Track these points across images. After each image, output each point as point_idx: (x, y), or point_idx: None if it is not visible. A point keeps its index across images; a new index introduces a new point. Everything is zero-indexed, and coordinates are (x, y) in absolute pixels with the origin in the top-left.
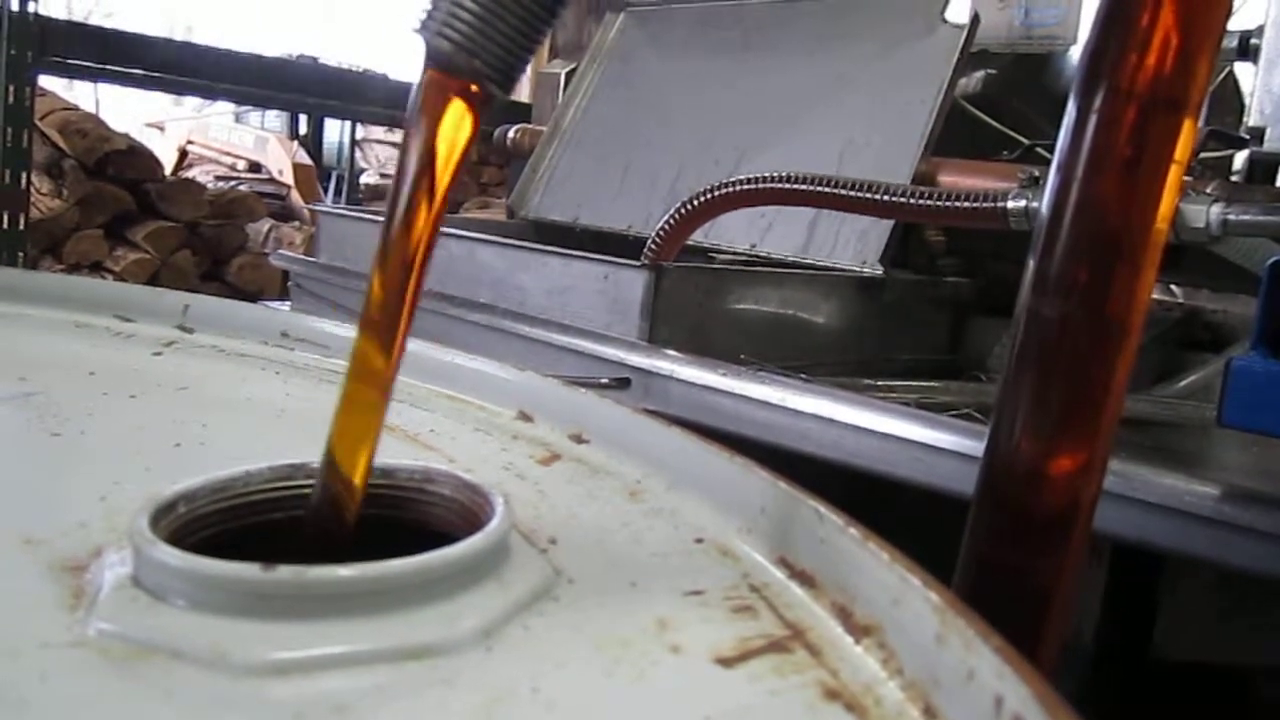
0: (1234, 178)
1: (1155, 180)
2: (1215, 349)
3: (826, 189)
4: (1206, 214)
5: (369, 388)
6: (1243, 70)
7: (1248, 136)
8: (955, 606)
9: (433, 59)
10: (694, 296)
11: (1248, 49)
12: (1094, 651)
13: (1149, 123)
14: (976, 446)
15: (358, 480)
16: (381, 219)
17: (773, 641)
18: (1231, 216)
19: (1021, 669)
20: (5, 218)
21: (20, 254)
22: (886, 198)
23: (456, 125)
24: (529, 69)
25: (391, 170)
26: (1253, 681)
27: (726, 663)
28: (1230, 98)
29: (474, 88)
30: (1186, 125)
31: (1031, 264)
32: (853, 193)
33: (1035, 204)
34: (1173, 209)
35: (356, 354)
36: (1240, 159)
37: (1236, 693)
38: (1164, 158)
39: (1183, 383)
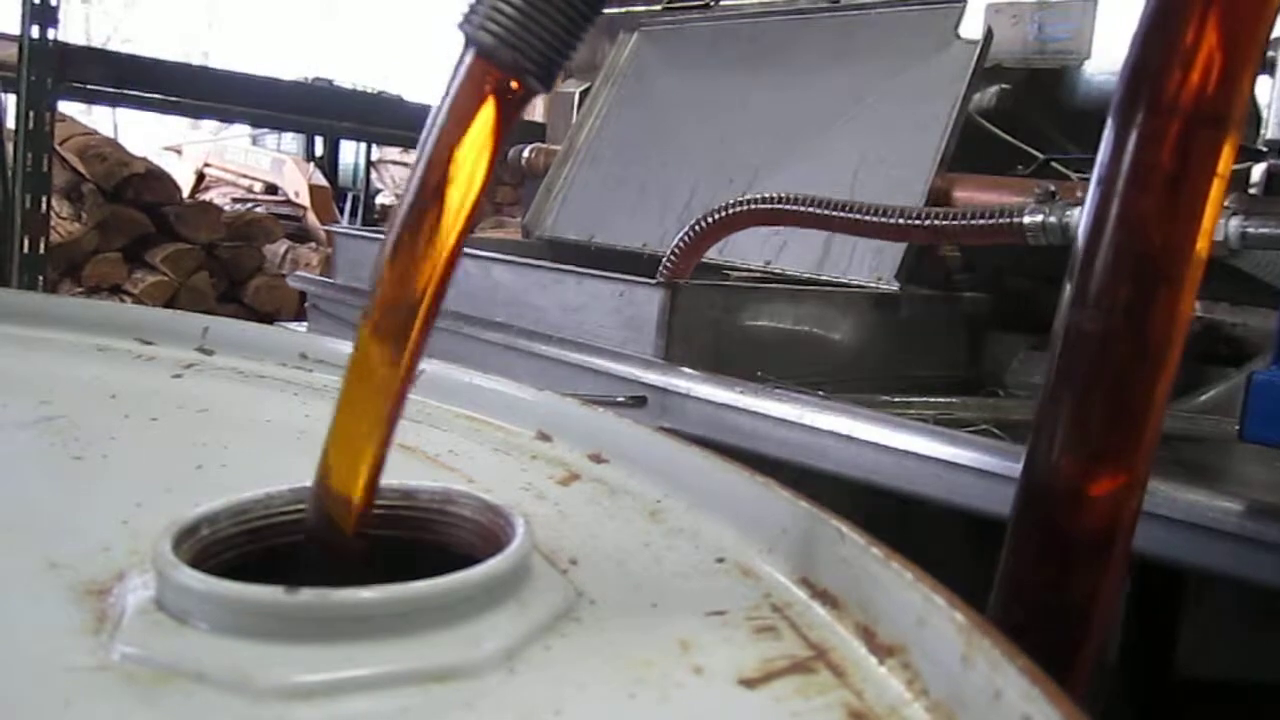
0: (1251, 190)
1: (1198, 197)
2: (1235, 363)
3: (840, 213)
4: (1225, 227)
5: (375, 404)
6: (1259, 83)
7: (1265, 149)
8: (981, 627)
9: (474, 53)
10: (709, 314)
11: (1264, 61)
12: (1118, 670)
13: (1193, 139)
14: (995, 462)
15: (357, 499)
16: (404, 216)
17: (796, 662)
18: (1250, 229)
19: (1049, 689)
20: (26, 242)
21: (40, 277)
22: (901, 221)
23: (493, 119)
24: None
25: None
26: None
27: (750, 684)
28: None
29: (514, 84)
30: (1229, 142)
31: (1070, 281)
32: (867, 217)
33: (1052, 219)
34: (1214, 225)
35: (365, 363)
36: (1258, 172)
37: (1263, 711)
38: (1207, 174)
39: (1203, 397)
